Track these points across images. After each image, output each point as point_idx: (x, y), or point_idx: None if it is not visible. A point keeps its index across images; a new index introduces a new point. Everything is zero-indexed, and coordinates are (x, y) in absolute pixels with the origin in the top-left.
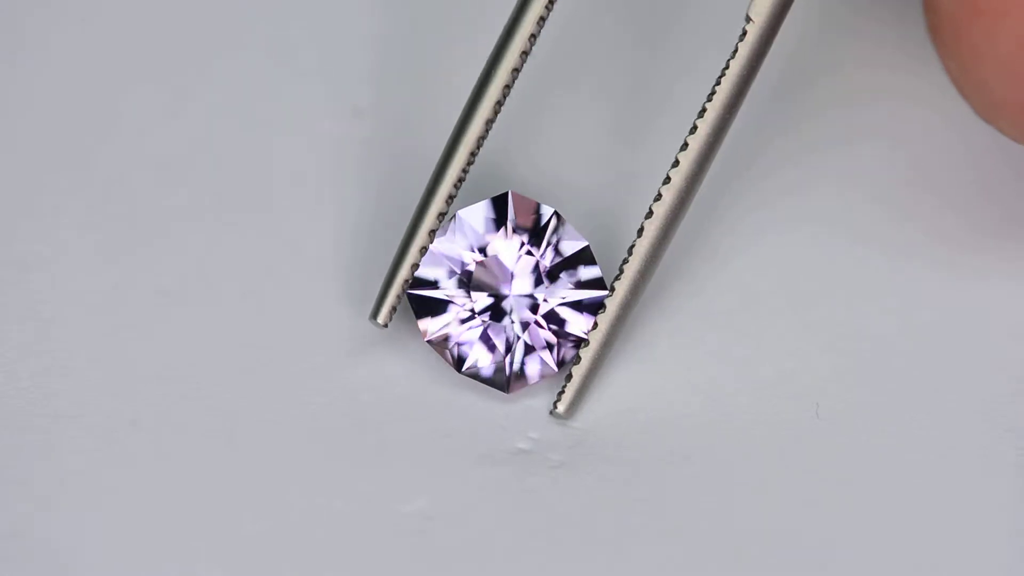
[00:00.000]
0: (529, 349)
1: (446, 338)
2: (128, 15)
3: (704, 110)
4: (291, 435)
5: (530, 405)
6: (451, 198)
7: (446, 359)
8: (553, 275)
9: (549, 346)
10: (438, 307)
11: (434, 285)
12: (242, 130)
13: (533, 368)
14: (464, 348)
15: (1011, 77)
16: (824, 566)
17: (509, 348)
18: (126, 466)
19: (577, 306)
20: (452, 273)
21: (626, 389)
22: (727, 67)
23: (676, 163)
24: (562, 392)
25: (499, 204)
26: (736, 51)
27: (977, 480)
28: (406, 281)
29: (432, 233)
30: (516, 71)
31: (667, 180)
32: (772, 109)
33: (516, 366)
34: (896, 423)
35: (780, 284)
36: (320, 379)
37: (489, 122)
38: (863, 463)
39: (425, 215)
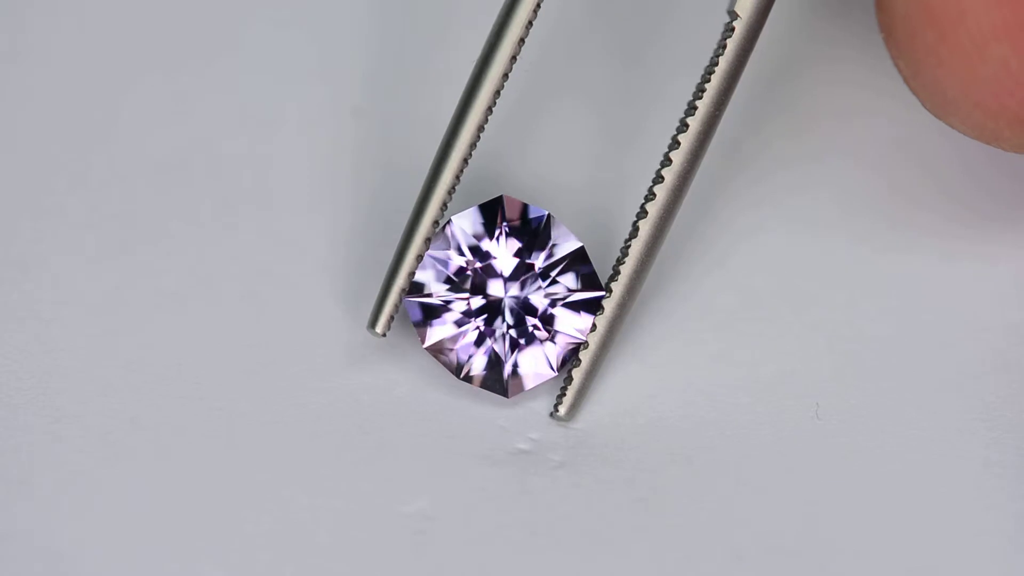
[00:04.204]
0: (526, 352)
1: (444, 344)
2: (127, 16)
3: (694, 107)
4: (291, 435)
5: (530, 406)
6: (445, 205)
7: (444, 365)
8: (548, 277)
9: (546, 348)
10: (435, 313)
11: (430, 291)
12: (241, 131)
13: (531, 371)
14: (462, 353)
15: (965, 78)
16: (824, 566)
17: (507, 352)
18: (126, 466)
19: (573, 307)
20: (448, 279)
21: (626, 390)
22: (715, 64)
23: (668, 161)
24: (562, 395)
25: (492, 208)
26: (724, 47)
27: (977, 481)
28: (403, 290)
29: (427, 241)
30: (506, 76)
31: (659, 179)
32: (761, 111)
33: (514, 369)
34: (895, 423)
35: (779, 284)
36: (320, 380)
37: (480, 128)
38: (863, 463)
39: (420, 223)
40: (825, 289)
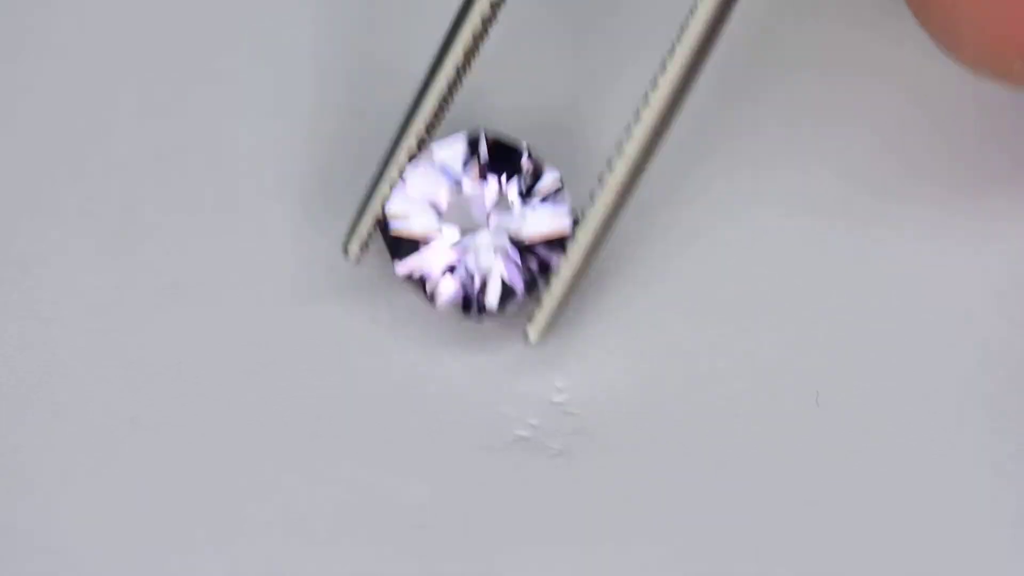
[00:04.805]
0: (502, 280)
1: (420, 273)
2: (125, 15)
3: (673, 49)
4: (290, 427)
5: (530, 391)
6: (423, 141)
7: (419, 295)
8: (524, 206)
9: (522, 277)
10: (412, 244)
11: (407, 221)
12: (240, 130)
13: (507, 298)
14: (437, 282)
15: (976, 9)
16: (824, 565)
17: (483, 280)
18: (126, 466)
19: (549, 237)
20: (425, 208)
21: (625, 378)
22: (696, 4)
23: (647, 102)
24: (532, 319)
25: (471, 139)
26: None
27: (976, 470)
28: (377, 217)
29: (403, 171)
30: (485, 15)
31: (638, 117)
32: (750, 91)
33: (490, 297)
34: (896, 411)
35: (779, 273)
36: (321, 376)
37: (461, 64)
38: (863, 452)
39: (396, 154)
40: (825, 279)
